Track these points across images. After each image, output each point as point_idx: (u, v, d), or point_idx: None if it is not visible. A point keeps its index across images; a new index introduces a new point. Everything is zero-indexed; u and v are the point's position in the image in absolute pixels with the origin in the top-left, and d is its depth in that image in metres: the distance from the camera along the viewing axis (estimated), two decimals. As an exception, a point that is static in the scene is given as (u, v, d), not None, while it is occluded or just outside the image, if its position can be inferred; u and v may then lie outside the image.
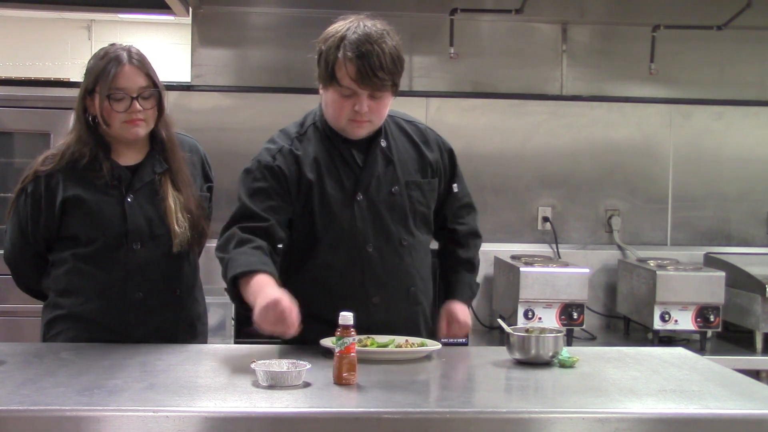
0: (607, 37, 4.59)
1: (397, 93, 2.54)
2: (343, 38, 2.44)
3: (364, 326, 2.37)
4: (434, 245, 2.81)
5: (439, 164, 2.68)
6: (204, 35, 4.40)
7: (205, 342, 2.79)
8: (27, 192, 2.60)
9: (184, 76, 4.43)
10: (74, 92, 4.10)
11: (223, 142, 4.19)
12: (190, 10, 4.36)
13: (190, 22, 4.42)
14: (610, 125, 4.53)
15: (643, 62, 4.47)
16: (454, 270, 2.79)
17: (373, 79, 2.42)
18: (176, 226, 2.59)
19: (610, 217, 4.51)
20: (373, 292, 2.57)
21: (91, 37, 7.83)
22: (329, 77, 2.46)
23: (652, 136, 4.55)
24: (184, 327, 2.70)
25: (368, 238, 2.56)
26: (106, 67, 2.53)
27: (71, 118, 3.90)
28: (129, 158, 2.63)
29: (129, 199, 2.58)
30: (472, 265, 2.80)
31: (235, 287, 2.40)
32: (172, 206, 2.60)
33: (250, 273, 2.36)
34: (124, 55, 2.55)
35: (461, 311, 2.71)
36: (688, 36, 4.51)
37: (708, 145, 4.58)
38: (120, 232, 2.57)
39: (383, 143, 2.60)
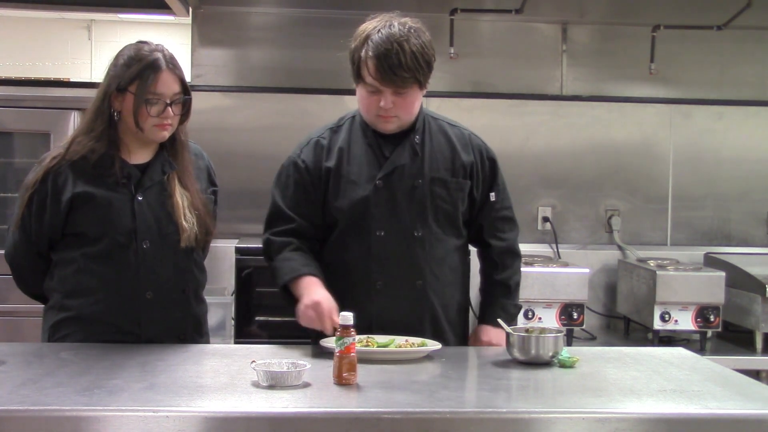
0: (607, 37, 4.59)
1: (425, 88, 2.61)
2: (368, 37, 2.54)
3: (366, 313, 2.47)
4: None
5: (476, 169, 2.70)
6: (204, 35, 4.40)
7: (208, 342, 2.80)
8: (35, 190, 2.59)
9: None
10: (74, 92, 4.17)
11: (223, 142, 4.19)
12: (190, 10, 4.36)
13: (190, 22, 4.43)
14: (610, 125, 4.53)
15: (643, 62, 4.47)
16: (487, 293, 2.81)
17: (393, 77, 2.50)
18: (184, 222, 2.60)
19: (610, 217, 4.51)
20: (376, 278, 2.61)
21: (91, 37, 7.84)
22: (356, 75, 2.58)
23: (652, 136, 4.55)
24: (192, 326, 2.70)
25: (380, 224, 2.62)
26: (145, 71, 2.52)
27: (71, 117, 3.95)
28: (139, 157, 2.63)
29: (139, 198, 2.58)
30: (507, 288, 2.79)
31: (287, 292, 2.61)
32: (180, 202, 2.61)
33: (297, 278, 2.57)
34: (162, 59, 2.55)
35: (485, 333, 2.73)
36: (688, 36, 4.51)
37: (708, 145, 4.58)
38: (129, 230, 2.57)
39: (417, 139, 2.66)
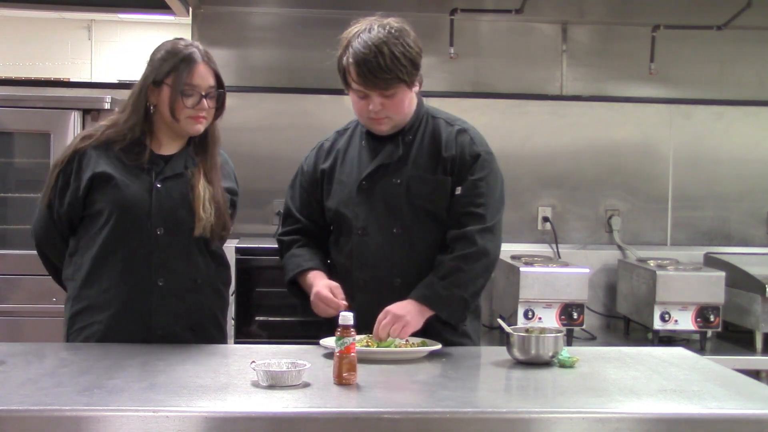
0: (607, 37, 4.59)
1: (414, 86, 2.61)
2: (349, 44, 2.57)
3: (352, 310, 2.36)
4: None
5: (455, 164, 2.67)
6: (204, 35, 4.40)
7: (226, 338, 2.81)
8: (62, 169, 2.66)
9: (184, 76, 4.42)
10: (74, 92, 4.17)
11: (223, 142, 4.16)
12: (190, 10, 4.36)
13: (190, 22, 4.43)
14: (610, 125, 4.53)
15: (643, 62, 4.47)
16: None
17: (375, 80, 2.53)
18: (202, 211, 2.64)
19: (610, 217, 4.51)
20: (358, 276, 2.66)
21: (91, 37, 7.84)
22: (344, 81, 2.62)
23: (652, 136, 4.55)
24: (208, 319, 2.71)
25: (361, 223, 2.66)
26: (181, 64, 2.61)
27: (71, 117, 3.95)
28: (166, 149, 2.69)
29: (158, 185, 2.63)
30: (440, 266, 2.58)
31: (297, 288, 2.73)
32: (201, 193, 2.65)
33: (301, 273, 2.69)
34: (197, 52, 2.64)
35: (396, 306, 2.53)
36: (688, 36, 4.51)
37: (708, 145, 4.58)
38: (144, 215, 2.61)
39: (408, 138, 2.68)
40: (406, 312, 2.52)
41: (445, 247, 2.64)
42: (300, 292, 2.72)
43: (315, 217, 2.77)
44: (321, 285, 2.59)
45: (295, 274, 2.70)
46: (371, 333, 2.50)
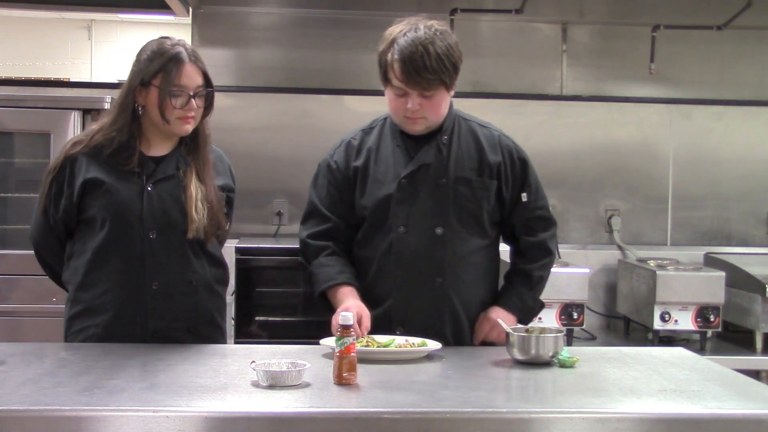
0: (607, 37, 4.59)
1: (452, 89, 2.62)
2: (394, 41, 2.57)
3: (386, 309, 2.58)
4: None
5: (503, 169, 2.71)
6: (204, 35, 4.40)
7: (224, 335, 2.80)
8: (54, 176, 2.66)
9: (184, 76, 4.42)
10: (74, 92, 4.18)
11: (223, 142, 4.16)
12: (190, 10, 4.36)
13: (190, 22, 4.43)
14: (610, 125, 4.54)
15: (643, 62, 4.48)
16: (508, 280, 2.80)
17: (418, 79, 2.53)
18: (194, 213, 2.62)
19: (610, 217, 4.51)
20: (396, 274, 2.65)
21: (91, 37, 7.85)
22: (384, 78, 2.61)
23: (652, 136, 4.55)
24: (205, 319, 2.71)
25: (401, 221, 2.64)
26: (168, 64, 2.58)
27: (71, 117, 3.96)
28: (157, 150, 2.67)
29: (149, 188, 2.62)
30: (528, 277, 2.77)
31: (324, 298, 2.68)
32: (194, 194, 2.63)
33: (333, 286, 2.64)
34: (184, 52, 2.61)
35: (495, 311, 2.70)
36: (688, 36, 4.51)
37: (708, 145, 4.58)
38: (136, 219, 2.60)
39: (444, 139, 2.68)
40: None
41: (485, 247, 2.73)
42: (327, 303, 2.68)
43: (344, 215, 2.72)
44: (351, 305, 2.51)
45: (327, 288, 2.65)
46: (406, 330, 2.56)
